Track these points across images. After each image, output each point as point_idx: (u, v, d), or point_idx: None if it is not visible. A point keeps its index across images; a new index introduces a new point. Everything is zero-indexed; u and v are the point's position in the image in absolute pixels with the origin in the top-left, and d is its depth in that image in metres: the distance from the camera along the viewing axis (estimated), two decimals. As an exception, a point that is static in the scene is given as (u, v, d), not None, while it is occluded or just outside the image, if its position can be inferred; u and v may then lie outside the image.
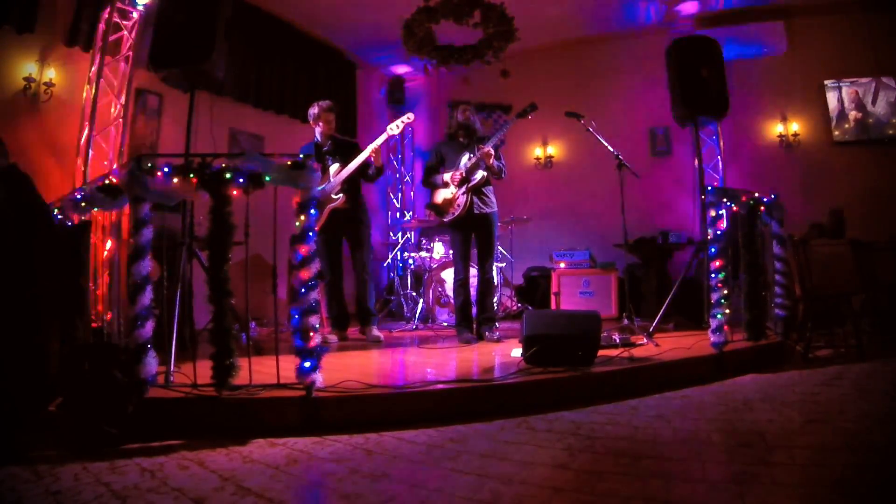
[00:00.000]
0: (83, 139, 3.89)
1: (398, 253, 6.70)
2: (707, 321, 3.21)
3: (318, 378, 2.15)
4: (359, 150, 3.78)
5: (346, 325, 4.01)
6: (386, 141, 3.80)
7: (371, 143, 3.75)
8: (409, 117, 3.89)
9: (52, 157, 4.03)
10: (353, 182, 3.82)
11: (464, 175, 3.69)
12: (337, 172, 3.75)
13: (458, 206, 3.70)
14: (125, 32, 4.11)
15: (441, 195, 3.79)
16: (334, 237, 3.87)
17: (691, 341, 3.24)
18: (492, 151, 3.67)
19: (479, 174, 3.70)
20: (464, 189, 3.70)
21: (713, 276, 3.01)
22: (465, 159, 3.74)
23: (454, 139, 3.87)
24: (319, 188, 3.68)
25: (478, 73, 5.56)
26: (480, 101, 4.07)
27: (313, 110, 3.89)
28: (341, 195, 3.74)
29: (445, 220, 3.82)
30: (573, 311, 3.44)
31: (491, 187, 3.84)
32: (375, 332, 3.88)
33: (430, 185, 3.88)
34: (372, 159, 3.71)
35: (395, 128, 3.79)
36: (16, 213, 2.18)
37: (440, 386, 2.37)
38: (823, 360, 3.24)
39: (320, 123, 3.87)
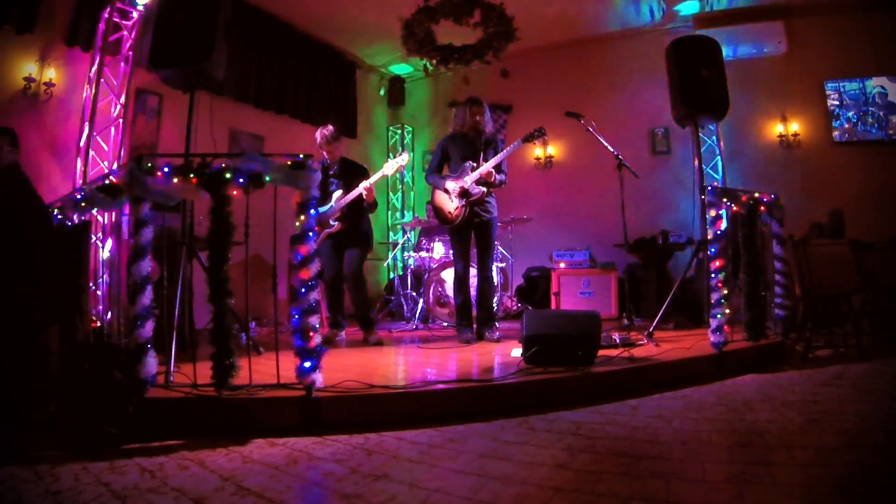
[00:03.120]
0: (83, 139, 3.88)
1: (398, 253, 6.70)
2: (707, 321, 3.21)
3: (318, 378, 2.15)
4: (365, 176, 3.77)
5: (342, 326, 4.00)
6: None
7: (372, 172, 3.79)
8: (403, 159, 3.86)
9: (52, 157, 4.03)
10: (354, 207, 3.80)
11: (465, 188, 3.69)
12: (339, 198, 3.77)
13: (458, 216, 3.70)
14: (125, 32, 4.11)
15: (442, 202, 3.78)
16: (335, 243, 3.86)
17: (691, 341, 3.24)
18: (492, 172, 3.65)
19: (480, 189, 3.70)
20: (464, 202, 3.70)
21: (713, 276, 3.01)
22: (468, 171, 3.72)
23: (461, 137, 3.83)
24: (321, 210, 3.73)
25: (478, 73, 5.57)
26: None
27: (316, 137, 3.86)
28: (338, 223, 3.76)
29: (446, 224, 3.83)
30: (573, 311, 3.44)
31: (492, 194, 3.84)
32: (377, 335, 3.90)
33: (433, 184, 3.87)
34: (365, 194, 3.70)
35: (389, 168, 3.79)
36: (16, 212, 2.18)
37: (440, 386, 2.37)
38: (823, 360, 3.24)
39: (323, 152, 3.86)
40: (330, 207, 3.75)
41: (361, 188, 3.69)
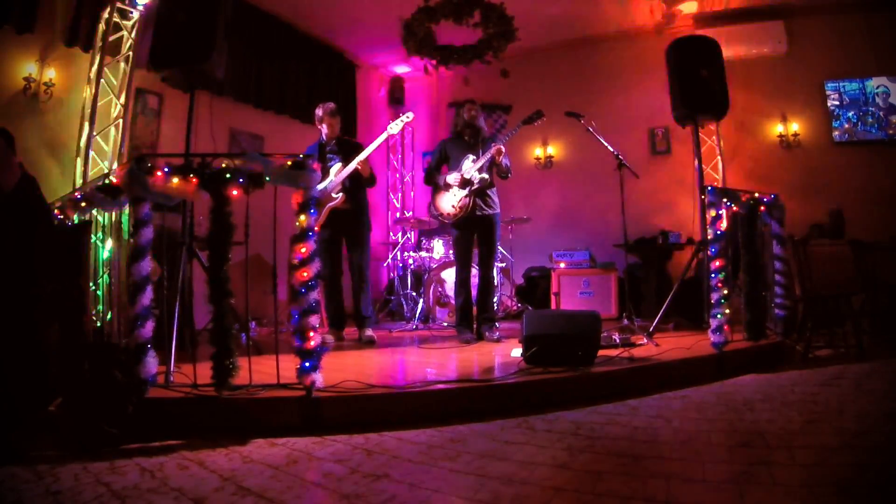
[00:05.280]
0: (83, 139, 3.88)
1: (398, 253, 6.69)
2: (707, 321, 3.21)
3: (318, 378, 2.15)
4: (361, 150, 3.79)
5: (342, 325, 4.00)
6: (386, 141, 3.84)
7: (372, 142, 3.78)
8: (408, 116, 3.92)
9: (52, 157, 4.03)
10: (355, 182, 3.82)
11: (467, 178, 3.69)
12: (339, 172, 3.77)
13: (461, 208, 3.70)
14: (125, 32, 4.10)
15: (444, 196, 3.79)
16: (334, 235, 3.88)
17: (691, 341, 3.24)
18: (503, 149, 3.67)
19: (483, 177, 3.70)
20: (467, 191, 3.70)
21: (713, 276, 3.01)
22: (468, 162, 3.74)
23: (459, 138, 3.86)
24: (320, 187, 3.74)
25: (478, 73, 5.56)
26: (480, 101, 4.09)
27: (318, 112, 3.93)
28: (341, 194, 3.75)
29: (447, 220, 3.82)
30: (573, 311, 3.44)
31: (494, 188, 3.84)
32: (369, 333, 3.89)
33: (433, 183, 3.87)
34: (360, 167, 3.72)
35: (395, 127, 3.82)
36: (17, 213, 2.18)
37: (440, 386, 2.37)
38: (823, 360, 3.24)
39: (323, 126, 3.91)
40: (330, 182, 3.75)
41: (367, 153, 3.71)
